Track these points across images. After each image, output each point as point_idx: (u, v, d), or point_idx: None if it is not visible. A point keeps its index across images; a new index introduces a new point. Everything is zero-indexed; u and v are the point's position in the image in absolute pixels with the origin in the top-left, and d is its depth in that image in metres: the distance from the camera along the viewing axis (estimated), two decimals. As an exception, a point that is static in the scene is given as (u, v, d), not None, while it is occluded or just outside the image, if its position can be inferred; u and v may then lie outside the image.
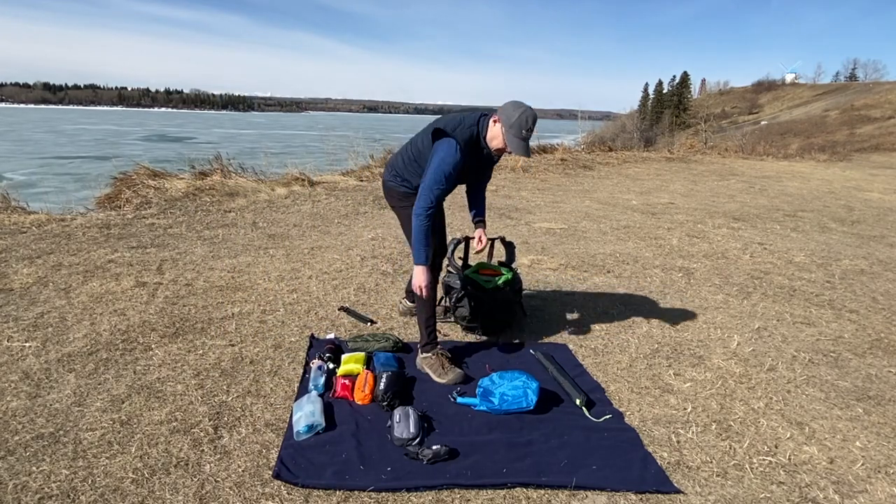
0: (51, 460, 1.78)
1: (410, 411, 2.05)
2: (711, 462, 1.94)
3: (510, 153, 2.30)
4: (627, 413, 2.24)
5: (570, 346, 2.84)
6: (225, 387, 2.28)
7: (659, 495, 1.76)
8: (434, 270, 2.53)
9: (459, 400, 2.25)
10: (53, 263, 3.65)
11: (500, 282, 2.86)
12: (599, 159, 11.53)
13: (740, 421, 2.22)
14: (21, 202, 5.25)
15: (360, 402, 2.20)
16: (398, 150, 2.59)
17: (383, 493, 1.71)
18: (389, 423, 2.02)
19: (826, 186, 9.69)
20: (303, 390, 2.25)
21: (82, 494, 1.64)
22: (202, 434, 1.96)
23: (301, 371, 2.44)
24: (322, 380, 2.30)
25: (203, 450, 1.87)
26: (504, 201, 6.71)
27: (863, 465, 1.97)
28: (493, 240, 3.25)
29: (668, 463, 1.93)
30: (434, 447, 1.87)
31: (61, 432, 1.92)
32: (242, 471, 1.78)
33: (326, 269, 3.84)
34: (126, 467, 1.76)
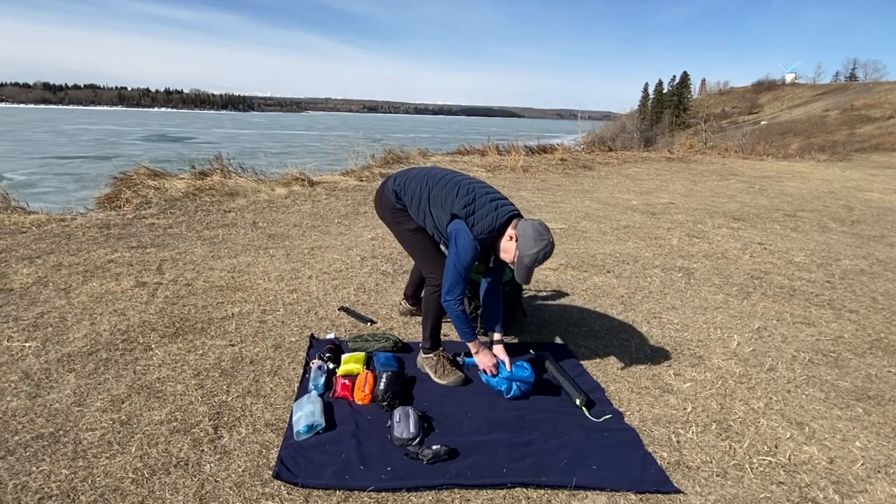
0: (51, 460, 1.78)
1: (410, 411, 2.05)
2: (711, 462, 1.95)
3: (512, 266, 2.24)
4: (627, 413, 2.24)
5: (570, 346, 2.84)
6: (225, 387, 2.28)
7: (659, 495, 1.76)
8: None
9: (468, 361, 2.44)
10: (53, 263, 3.65)
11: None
12: (599, 159, 11.54)
13: (740, 421, 2.22)
14: (21, 202, 5.25)
15: (360, 402, 2.20)
16: (415, 175, 2.45)
17: (383, 493, 1.71)
18: (389, 423, 2.02)
19: (826, 186, 9.68)
20: (303, 390, 2.25)
21: (82, 494, 1.64)
22: (202, 434, 1.96)
23: (301, 371, 2.44)
24: (322, 380, 2.30)
25: (203, 450, 1.87)
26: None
27: (863, 465, 1.97)
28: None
29: (668, 463, 1.93)
30: (434, 447, 1.87)
31: (61, 432, 1.92)
32: (242, 471, 1.78)
33: (326, 269, 3.84)
34: (126, 467, 1.76)
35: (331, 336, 2.78)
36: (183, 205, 5.52)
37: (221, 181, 6.26)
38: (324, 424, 2.00)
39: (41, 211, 5.12)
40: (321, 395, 2.21)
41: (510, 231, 2.20)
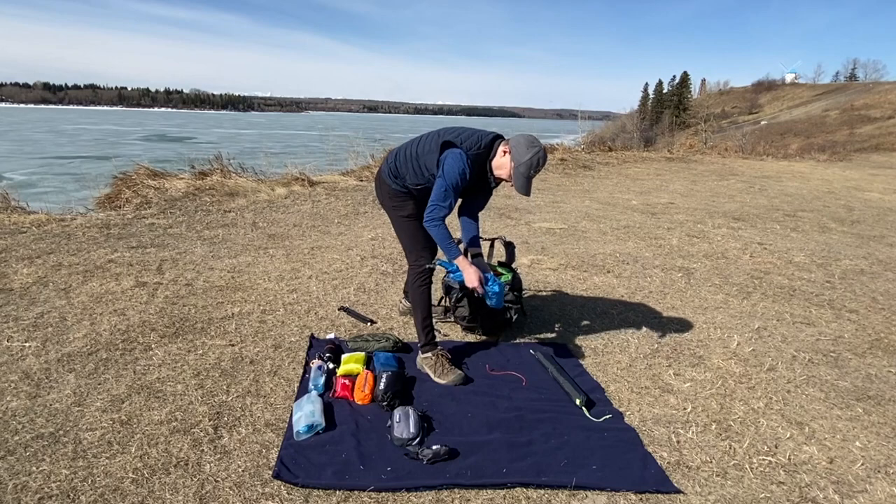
0: (51, 460, 1.78)
1: (410, 411, 2.05)
2: (711, 462, 1.94)
3: (511, 186, 2.27)
4: (627, 413, 2.24)
5: (570, 346, 2.84)
6: (225, 387, 2.28)
7: (659, 495, 1.76)
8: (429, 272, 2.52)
9: (454, 277, 2.54)
10: (53, 263, 3.65)
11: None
12: (599, 159, 11.54)
13: (740, 421, 2.22)
14: (21, 202, 5.25)
15: (360, 402, 2.20)
16: (402, 145, 2.54)
17: (383, 493, 1.71)
18: (389, 423, 2.02)
19: (826, 186, 9.69)
20: (303, 390, 2.25)
21: (82, 494, 1.64)
22: (202, 434, 1.96)
23: (301, 371, 2.44)
24: (322, 380, 2.29)
25: (203, 450, 1.87)
26: (504, 201, 6.71)
27: (863, 464, 1.97)
28: (492, 240, 3.25)
29: (668, 463, 1.93)
30: (434, 447, 1.87)
31: (61, 432, 1.92)
32: (242, 471, 1.78)
33: (326, 269, 3.84)
34: (126, 467, 1.76)
35: (331, 336, 2.78)
36: (183, 205, 5.52)
37: (221, 181, 6.26)
38: (324, 424, 2.00)
39: (41, 211, 5.12)
40: (321, 395, 2.21)
41: (503, 147, 2.27)
